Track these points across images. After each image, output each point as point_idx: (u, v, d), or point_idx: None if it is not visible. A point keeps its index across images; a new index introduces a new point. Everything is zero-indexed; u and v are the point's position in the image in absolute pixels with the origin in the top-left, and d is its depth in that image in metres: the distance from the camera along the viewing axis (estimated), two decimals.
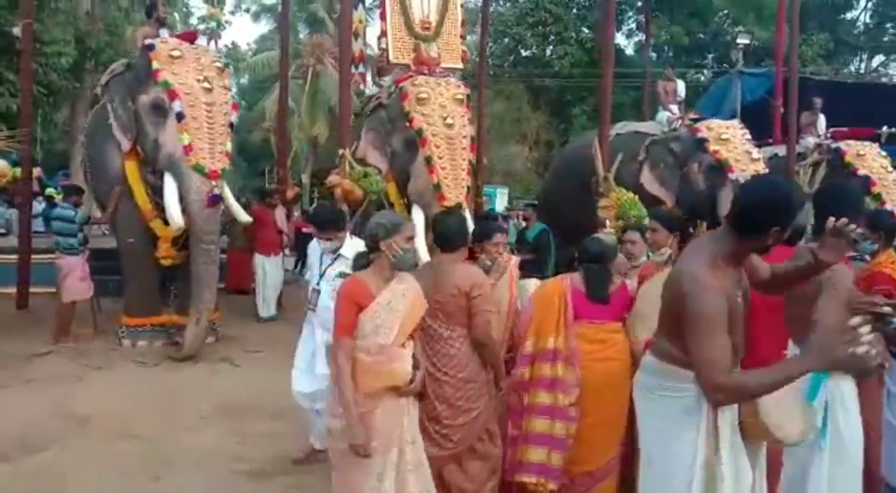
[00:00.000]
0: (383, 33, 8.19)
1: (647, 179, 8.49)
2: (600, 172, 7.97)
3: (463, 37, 8.60)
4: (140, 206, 7.22)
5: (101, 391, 5.56)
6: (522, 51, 23.78)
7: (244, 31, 53.90)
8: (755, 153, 8.28)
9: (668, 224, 3.75)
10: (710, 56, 22.39)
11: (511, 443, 3.47)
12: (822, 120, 10.28)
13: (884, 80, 22.96)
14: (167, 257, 7.34)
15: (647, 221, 7.64)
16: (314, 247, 4.18)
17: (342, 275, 3.73)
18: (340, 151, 6.83)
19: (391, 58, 8.23)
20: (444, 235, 3.40)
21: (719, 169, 8.11)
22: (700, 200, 8.19)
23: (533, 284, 4.04)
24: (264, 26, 27.44)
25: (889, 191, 9.02)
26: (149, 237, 7.34)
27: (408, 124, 7.28)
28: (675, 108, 9.36)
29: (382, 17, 8.22)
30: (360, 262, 3.04)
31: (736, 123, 8.64)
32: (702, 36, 21.97)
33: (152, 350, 7.01)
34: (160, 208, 7.09)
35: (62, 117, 12.92)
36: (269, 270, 8.79)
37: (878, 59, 24.56)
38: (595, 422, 3.40)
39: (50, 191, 15.25)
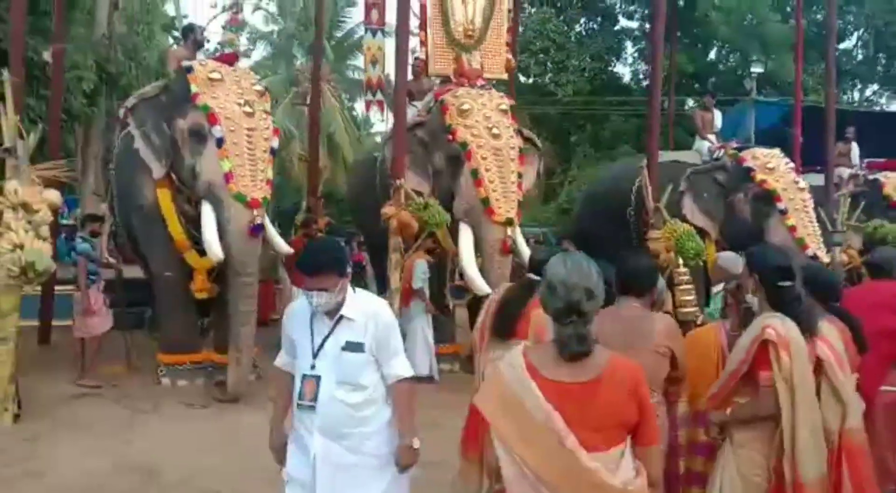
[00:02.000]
0: (423, 43, 7.92)
1: (690, 210, 8.30)
2: (650, 203, 7.78)
3: (509, 44, 8.32)
4: (174, 236, 6.86)
5: (159, 438, 5.19)
6: (521, 78, 23.79)
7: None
8: (801, 182, 8.19)
9: (750, 262, 3.01)
10: (710, 82, 22.56)
11: None
12: (855, 149, 10.24)
13: (876, 108, 23.36)
14: (202, 290, 6.96)
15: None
16: (296, 313, 2.77)
17: (352, 347, 2.63)
18: (397, 182, 6.55)
19: (430, 69, 7.95)
20: (635, 273, 2.95)
21: (767, 198, 7.99)
22: (748, 231, 8.05)
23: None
24: (261, 52, 27.13)
25: None
26: (185, 269, 6.99)
27: (450, 138, 7.00)
28: (713, 137, 9.25)
29: (422, 26, 7.91)
30: None
31: (777, 151, 8.52)
32: (694, 65, 22.13)
33: (195, 390, 6.65)
34: (195, 239, 6.78)
35: (74, 143, 12.57)
36: None
37: (872, 88, 24.95)
38: None
39: None
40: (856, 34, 23.01)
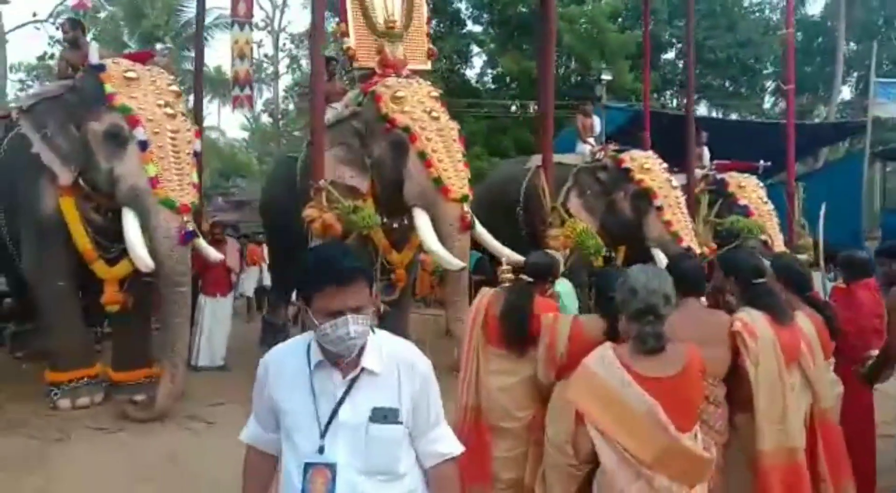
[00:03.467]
0: (344, 34, 7.77)
1: (575, 206, 8.89)
2: (547, 203, 8.24)
3: (429, 34, 8.35)
4: (80, 247, 6.40)
5: (93, 476, 4.71)
6: None
7: None
8: (674, 181, 9.06)
9: (726, 266, 3.47)
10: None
11: None
12: (706, 152, 11.41)
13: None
14: (113, 302, 6.57)
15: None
16: (281, 363, 1.95)
17: (383, 416, 1.83)
18: (320, 182, 6.43)
19: (356, 61, 7.80)
20: (694, 274, 3.17)
21: (644, 196, 8.77)
22: (628, 226, 8.82)
23: None
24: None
25: (765, 220, 10.14)
26: (78, 280, 6.60)
27: (389, 126, 6.93)
28: (592, 140, 9.99)
29: (343, 17, 7.74)
30: None
31: (651, 153, 9.35)
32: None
33: (99, 411, 6.21)
34: (102, 248, 6.45)
35: None
36: (214, 313, 8.05)
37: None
38: None
39: None
40: (676, 47, 25.44)
